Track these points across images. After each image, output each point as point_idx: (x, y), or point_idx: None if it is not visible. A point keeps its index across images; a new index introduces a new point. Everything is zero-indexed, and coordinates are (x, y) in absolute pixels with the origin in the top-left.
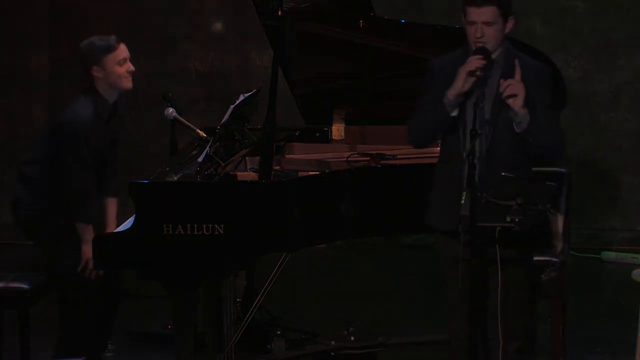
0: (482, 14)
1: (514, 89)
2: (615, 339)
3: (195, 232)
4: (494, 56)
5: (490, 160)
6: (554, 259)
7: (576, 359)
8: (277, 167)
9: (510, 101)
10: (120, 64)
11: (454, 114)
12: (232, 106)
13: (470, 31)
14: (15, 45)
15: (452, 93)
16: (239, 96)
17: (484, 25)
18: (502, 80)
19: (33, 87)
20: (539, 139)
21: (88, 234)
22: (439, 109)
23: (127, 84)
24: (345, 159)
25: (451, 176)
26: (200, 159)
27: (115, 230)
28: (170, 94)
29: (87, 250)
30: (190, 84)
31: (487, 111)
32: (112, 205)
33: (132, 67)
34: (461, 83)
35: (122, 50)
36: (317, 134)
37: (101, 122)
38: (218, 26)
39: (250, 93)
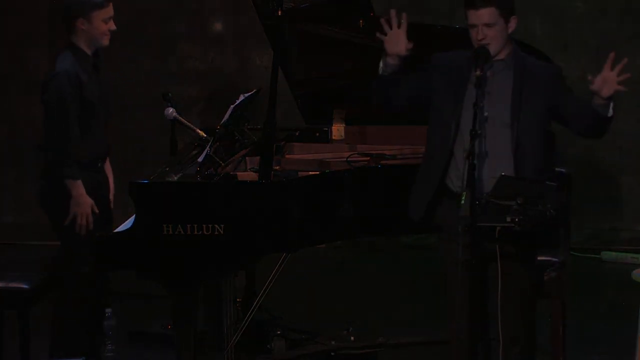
0: (481, 16)
1: (610, 81)
2: (615, 339)
3: (195, 232)
4: (502, 56)
5: (519, 162)
6: (554, 259)
7: (576, 359)
8: (277, 167)
9: (605, 94)
10: (105, 22)
11: (381, 72)
12: (232, 106)
13: (472, 33)
14: (15, 45)
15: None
16: (239, 96)
17: (484, 27)
18: (595, 80)
19: (33, 87)
20: (584, 122)
21: (76, 189)
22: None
23: (106, 41)
24: (345, 159)
25: (426, 170)
26: (200, 159)
27: (115, 231)
28: (170, 94)
29: (74, 204)
30: (190, 84)
31: (507, 111)
32: (108, 170)
33: (114, 27)
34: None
35: (110, 9)
36: (317, 134)
37: (85, 75)
38: (218, 26)
39: (250, 93)
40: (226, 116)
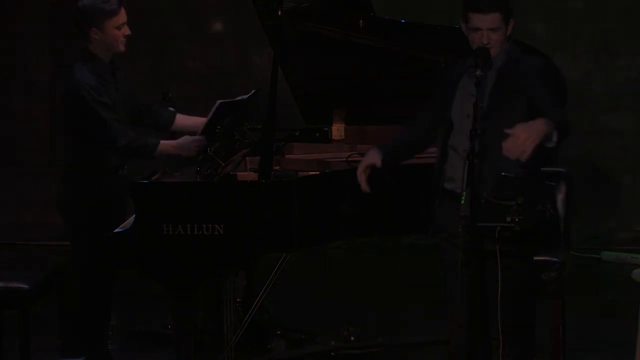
0: (487, 21)
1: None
2: (615, 339)
3: (195, 232)
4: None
5: (505, 159)
6: (553, 259)
7: (576, 359)
8: (277, 167)
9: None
10: (119, 28)
11: None
12: (219, 101)
13: (474, 37)
14: (15, 45)
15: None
16: (236, 96)
17: (489, 31)
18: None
19: (33, 87)
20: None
21: (167, 147)
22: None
23: (122, 47)
24: (345, 159)
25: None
26: (200, 159)
27: (115, 231)
28: (170, 94)
29: (181, 151)
30: (190, 84)
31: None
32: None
33: (128, 32)
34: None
35: (123, 15)
36: (317, 134)
37: (102, 82)
38: (218, 26)
39: (250, 93)
40: (212, 110)
